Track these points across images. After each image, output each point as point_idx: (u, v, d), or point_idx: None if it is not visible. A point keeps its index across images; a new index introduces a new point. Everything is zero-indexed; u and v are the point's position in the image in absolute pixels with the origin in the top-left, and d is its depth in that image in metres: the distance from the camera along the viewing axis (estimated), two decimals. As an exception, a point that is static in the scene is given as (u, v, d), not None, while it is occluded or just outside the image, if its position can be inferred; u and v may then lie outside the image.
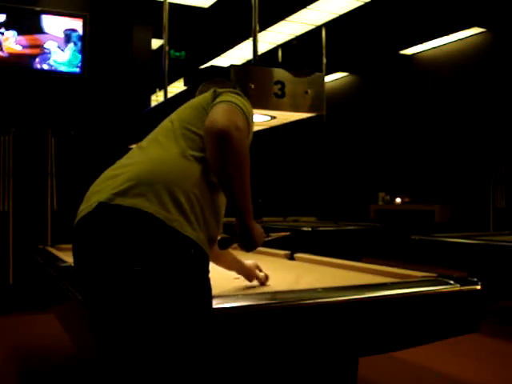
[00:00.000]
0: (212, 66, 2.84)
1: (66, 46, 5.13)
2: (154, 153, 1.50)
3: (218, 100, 1.53)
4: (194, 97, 1.75)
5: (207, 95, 1.60)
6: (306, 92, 2.51)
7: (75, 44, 5.15)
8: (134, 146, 1.69)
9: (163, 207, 1.38)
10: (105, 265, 1.39)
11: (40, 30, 5.03)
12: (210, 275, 1.48)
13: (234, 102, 1.50)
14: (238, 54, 9.20)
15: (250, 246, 1.57)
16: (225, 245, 1.62)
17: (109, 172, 1.55)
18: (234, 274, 2.01)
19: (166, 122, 1.63)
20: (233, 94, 1.57)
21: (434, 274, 2.12)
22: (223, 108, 1.47)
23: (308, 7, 7.09)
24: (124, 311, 1.36)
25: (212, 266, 1.53)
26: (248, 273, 1.99)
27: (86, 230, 1.50)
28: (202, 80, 2.32)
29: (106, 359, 1.46)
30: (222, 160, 1.41)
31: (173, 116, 1.64)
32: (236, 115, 1.46)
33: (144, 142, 1.61)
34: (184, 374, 1.38)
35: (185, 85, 3.01)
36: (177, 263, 1.37)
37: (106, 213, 1.42)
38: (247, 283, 2.01)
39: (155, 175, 1.42)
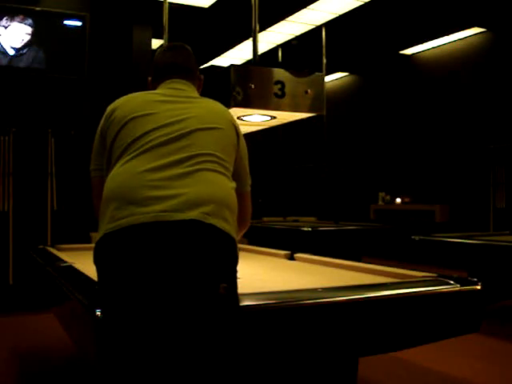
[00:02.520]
0: (212, 66, 2.84)
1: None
2: (215, 178, 1.59)
3: (245, 171, 1.82)
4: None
5: (233, 134, 1.74)
6: (306, 92, 2.51)
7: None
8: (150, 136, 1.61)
9: (233, 228, 1.58)
10: (196, 280, 1.45)
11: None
12: None
13: (250, 184, 1.86)
14: (238, 54, 9.20)
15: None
16: None
17: (150, 183, 1.51)
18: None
19: (202, 145, 1.63)
20: (245, 147, 1.82)
21: (434, 274, 2.12)
22: (250, 201, 1.86)
23: (308, 7, 7.08)
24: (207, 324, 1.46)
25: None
26: None
27: (172, 242, 1.46)
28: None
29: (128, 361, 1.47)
30: (242, 231, 1.87)
31: (210, 142, 1.64)
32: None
33: (177, 153, 1.58)
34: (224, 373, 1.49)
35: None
36: (234, 274, 1.59)
37: (200, 230, 1.48)
38: (247, 283, 2.01)
39: (228, 202, 1.58)
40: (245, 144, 1.81)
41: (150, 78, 1.91)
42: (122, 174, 1.56)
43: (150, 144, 1.58)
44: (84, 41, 5.20)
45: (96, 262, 1.57)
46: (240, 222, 1.75)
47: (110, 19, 5.61)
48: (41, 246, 3.47)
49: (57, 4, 5.22)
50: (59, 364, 3.32)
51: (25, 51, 5.00)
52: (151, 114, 1.65)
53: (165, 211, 1.46)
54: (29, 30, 5.00)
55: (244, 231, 1.90)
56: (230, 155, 1.69)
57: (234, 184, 1.66)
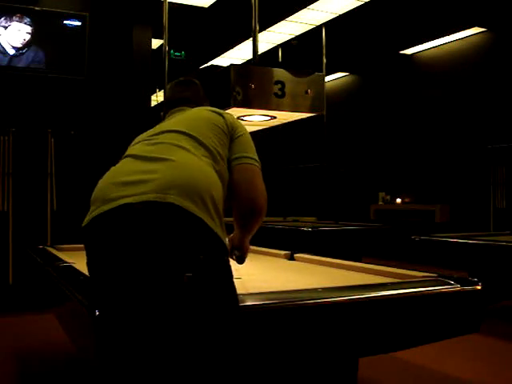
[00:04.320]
0: (212, 66, 2.84)
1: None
2: (189, 159, 1.55)
3: (242, 145, 1.73)
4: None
5: (219, 119, 1.74)
6: (306, 92, 2.51)
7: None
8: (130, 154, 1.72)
9: (209, 215, 1.46)
10: (155, 266, 1.40)
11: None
12: None
13: (256, 160, 1.73)
14: (238, 54, 9.20)
15: (243, 260, 1.92)
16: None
17: (124, 178, 1.55)
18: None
19: (176, 134, 1.67)
20: (247, 133, 1.77)
21: (435, 274, 2.12)
22: (256, 177, 1.69)
23: (308, 7, 7.08)
24: (171, 313, 1.40)
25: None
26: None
27: (129, 227, 1.44)
28: (202, 80, 2.32)
29: (115, 356, 1.47)
30: (251, 225, 1.75)
31: (182, 127, 1.69)
32: (262, 181, 1.71)
33: (151, 150, 1.62)
34: (225, 370, 1.46)
35: (185, 85, 3.02)
36: (218, 269, 1.47)
37: (157, 210, 1.42)
38: (247, 283, 2.00)
39: (199, 183, 1.49)
40: (243, 129, 1.78)
41: (162, 114, 2.03)
42: (100, 182, 1.67)
43: (132, 152, 1.68)
44: (84, 41, 5.20)
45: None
46: (239, 208, 1.68)
47: (110, 19, 5.61)
48: (40, 246, 3.47)
49: (57, 4, 5.22)
50: (59, 364, 3.32)
51: (24, 51, 4.99)
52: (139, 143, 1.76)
53: (127, 196, 1.47)
54: (28, 29, 5.00)
55: (253, 227, 1.76)
56: (213, 136, 1.67)
57: (212, 165, 1.60)
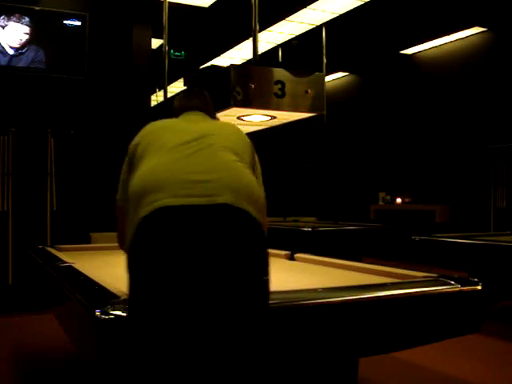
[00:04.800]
0: (212, 66, 2.84)
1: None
2: (245, 173, 1.64)
3: (258, 168, 1.84)
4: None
5: (248, 144, 1.81)
6: (306, 92, 2.50)
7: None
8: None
9: (261, 221, 1.59)
10: (234, 267, 1.47)
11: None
12: None
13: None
14: (238, 54, 9.19)
15: None
16: None
17: (187, 176, 1.55)
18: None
19: (219, 145, 1.69)
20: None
21: (435, 275, 2.12)
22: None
23: (308, 7, 7.08)
24: (243, 311, 1.48)
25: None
26: None
27: (206, 228, 1.48)
28: (202, 80, 2.32)
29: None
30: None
31: (223, 140, 1.72)
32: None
33: (201, 153, 1.63)
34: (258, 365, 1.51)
35: (185, 85, 3.02)
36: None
37: (230, 214, 1.50)
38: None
39: (254, 193, 1.61)
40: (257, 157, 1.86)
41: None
42: (149, 169, 1.60)
43: (171, 145, 1.65)
44: (84, 41, 5.20)
45: (133, 247, 1.53)
46: None
47: (110, 19, 5.60)
48: (40, 246, 3.47)
49: (56, 4, 5.21)
50: (59, 364, 3.32)
51: (24, 51, 4.99)
52: (168, 132, 1.75)
53: (198, 196, 1.49)
54: (26, 29, 5.00)
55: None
56: (249, 157, 1.76)
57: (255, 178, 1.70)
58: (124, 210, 1.75)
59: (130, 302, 1.53)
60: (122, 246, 1.83)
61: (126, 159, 1.83)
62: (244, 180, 1.60)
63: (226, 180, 1.55)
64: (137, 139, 1.80)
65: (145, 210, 1.50)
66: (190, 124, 1.79)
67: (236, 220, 1.50)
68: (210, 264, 1.45)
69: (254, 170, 1.76)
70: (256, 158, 1.83)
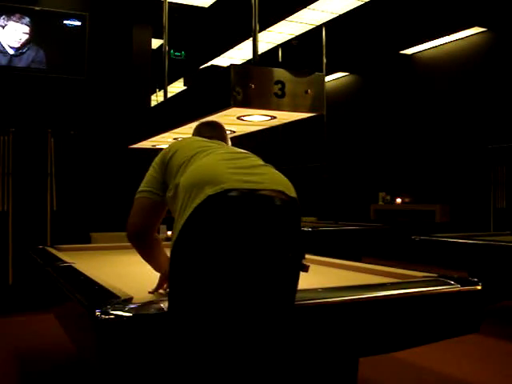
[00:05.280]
0: (212, 66, 2.84)
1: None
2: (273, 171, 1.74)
3: None
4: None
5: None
6: (306, 92, 2.50)
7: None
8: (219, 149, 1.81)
9: None
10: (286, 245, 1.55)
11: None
12: None
13: None
14: (238, 54, 9.20)
15: None
16: None
17: (239, 170, 1.63)
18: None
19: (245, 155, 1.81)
20: None
21: (435, 274, 2.12)
22: None
23: (308, 7, 7.08)
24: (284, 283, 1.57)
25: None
26: (160, 279, 1.92)
27: (285, 214, 1.58)
28: (202, 80, 2.32)
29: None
30: None
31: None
32: None
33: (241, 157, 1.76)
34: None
35: (185, 85, 3.01)
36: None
37: (292, 205, 1.60)
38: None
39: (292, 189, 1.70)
40: None
41: None
42: (199, 166, 1.67)
43: (219, 151, 1.77)
44: (84, 41, 5.20)
45: (193, 230, 1.52)
46: None
47: (110, 19, 5.61)
48: (40, 246, 3.47)
49: (57, 4, 5.22)
50: (59, 364, 3.32)
51: (24, 51, 4.99)
52: (210, 149, 1.82)
53: (259, 182, 1.58)
54: (26, 29, 5.00)
55: None
56: None
57: None
58: (152, 204, 1.83)
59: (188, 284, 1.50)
60: (135, 239, 1.90)
61: (158, 160, 1.88)
62: (285, 179, 1.69)
63: (273, 176, 1.65)
64: (172, 145, 1.91)
65: (210, 191, 1.51)
66: (226, 149, 1.89)
67: (293, 207, 1.59)
68: (270, 246, 1.51)
69: None
70: None
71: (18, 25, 4.97)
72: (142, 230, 1.88)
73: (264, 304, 1.50)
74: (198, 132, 2.13)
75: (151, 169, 1.90)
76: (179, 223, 1.55)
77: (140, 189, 1.89)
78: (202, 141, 1.92)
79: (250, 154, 1.81)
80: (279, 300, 1.54)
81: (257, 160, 1.76)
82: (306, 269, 1.63)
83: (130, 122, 5.30)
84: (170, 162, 1.82)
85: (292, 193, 1.63)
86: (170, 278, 1.57)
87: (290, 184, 1.68)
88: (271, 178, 1.63)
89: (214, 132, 2.09)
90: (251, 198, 1.52)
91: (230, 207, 1.49)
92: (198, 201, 1.51)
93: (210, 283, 1.47)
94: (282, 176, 1.70)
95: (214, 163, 1.66)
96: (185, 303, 1.50)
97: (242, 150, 1.85)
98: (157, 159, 1.90)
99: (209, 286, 1.47)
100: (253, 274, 1.49)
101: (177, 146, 1.89)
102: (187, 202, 1.55)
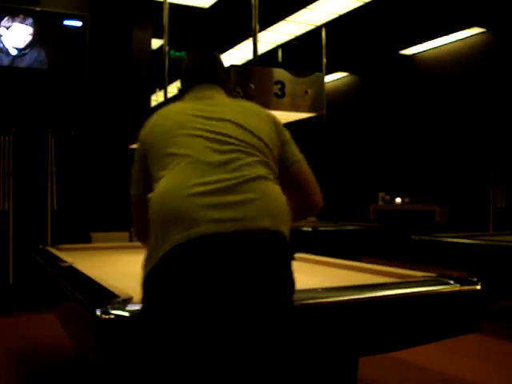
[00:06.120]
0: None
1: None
2: (275, 190, 1.53)
3: (291, 147, 1.71)
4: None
5: (272, 125, 1.67)
6: (306, 92, 2.51)
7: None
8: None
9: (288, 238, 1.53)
10: (274, 292, 1.44)
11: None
12: None
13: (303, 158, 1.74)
14: (238, 54, 9.20)
15: None
16: None
17: (208, 199, 1.41)
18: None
19: (243, 143, 1.54)
20: (291, 137, 1.74)
21: (434, 274, 2.12)
22: (312, 176, 1.74)
23: (308, 7, 7.08)
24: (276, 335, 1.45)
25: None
26: None
27: (251, 253, 1.40)
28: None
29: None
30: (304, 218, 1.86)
31: (249, 139, 1.56)
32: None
33: (223, 159, 1.48)
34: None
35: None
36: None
37: (274, 248, 1.45)
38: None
39: (283, 211, 1.52)
40: (286, 131, 1.74)
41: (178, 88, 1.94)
42: (169, 193, 1.45)
43: (191, 154, 1.49)
44: (84, 41, 5.20)
45: (158, 281, 1.42)
46: (303, 202, 1.73)
47: (110, 19, 5.61)
48: (41, 246, 3.48)
49: (57, 4, 5.22)
50: (59, 364, 3.32)
51: (27, 51, 5.00)
52: (185, 131, 1.56)
53: (234, 220, 1.39)
54: (30, 30, 5.00)
55: (309, 215, 1.92)
56: (275, 142, 1.64)
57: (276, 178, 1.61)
58: (140, 205, 1.67)
59: (155, 334, 1.42)
60: (144, 241, 1.75)
61: (137, 155, 1.69)
62: (277, 200, 1.50)
63: (261, 202, 1.44)
64: (146, 133, 1.66)
65: (177, 237, 1.37)
66: (206, 112, 1.60)
67: (275, 246, 1.44)
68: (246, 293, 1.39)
69: (283, 149, 1.67)
70: (283, 132, 1.70)
71: (23, 26, 4.97)
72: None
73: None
74: (191, 60, 1.81)
75: (135, 163, 1.71)
76: (148, 265, 1.46)
77: (132, 191, 1.74)
78: (184, 115, 1.60)
79: (234, 140, 1.52)
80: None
81: (243, 161, 1.49)
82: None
83: (130, 122, 5.30)
84: (148, 156, 1.61)
85: (281, 222, 1.46)
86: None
87: (282, 208, 1.50)
88: (257, 208, 1.43)
89: (212, 67, 1.77)
90: (222, 249, 1.36)
91: (198, 261, 1.36)
92: (165, 248, 1.38)
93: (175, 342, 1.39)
94: (276, 194, 1.50)
95: (183, 191, 1.41)
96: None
97: (226, 124, 1.56)
98: (136, 153, 1.70)
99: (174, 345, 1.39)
100: (226, 337, 1.39)
101: (153, 137, 1.61)
102: (155, 243, 1.43)
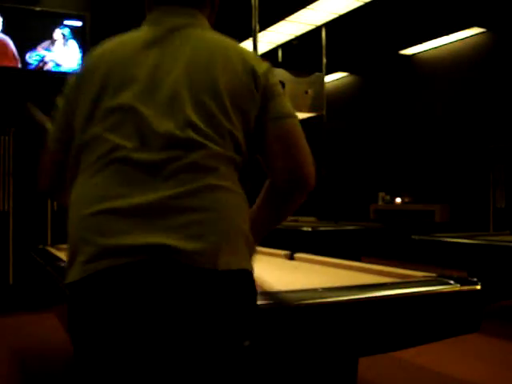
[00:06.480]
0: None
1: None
2: (221, 189, 1.13)
3: (277, 101, 1.23)
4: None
5: (247, 83, 1.19)
6: (306, 92, 2.51)
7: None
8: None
9: (247, 258, 1.18)
10: (214, 334, 1.11)
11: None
12: None
13: (295, 115, 1.27)
14: (238, 54, 9.20)
15: None
16: None
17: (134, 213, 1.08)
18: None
19: (186, 127, 1.12)
20: (279, 85, 1.27)
21: (434, 274, 2.12)
22: (302, 138, 1.25)
23: (308, 7, 7.08)
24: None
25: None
26: None
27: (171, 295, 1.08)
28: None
29: None
30: (287, 213, 1.37)
31: (195, 107, 1.13)
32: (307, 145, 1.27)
33: (158, 159, 1.10)
34: None
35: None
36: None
37: (207, 276, 1.08)
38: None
39: (238, 227, 1.15)
40: (276, 85, 1.25)
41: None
42: (82, 205, 1.14)
43: (116, 155, 1.14)
44: (84, 41, 5.20)
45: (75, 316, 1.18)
46: (287, 174, 1.24)
47: (111, 19, 5.61)
48: (41, 246, 3.48)
49: (57, 4, 5.22)
50: (59, 364, 3.32)
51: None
52: (116, 81, 1.22)
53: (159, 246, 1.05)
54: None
55: (290, 210, 1.37)
56: (240, 112, 1.17)
57: (237, 181, 1.19)
58: (54, 155, 1.39)
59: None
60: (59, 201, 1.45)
61: (66, 92, 1.33)
62: (229, 216, 1.13)
63: (203, 218, 1.09)
64: (76, 80, 1.32)
65: (77, 270, 1.09)
66: (159, 55, 1.21)
67: (214, 284, 1.09)
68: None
69: (266, 107, 1.21)
70: (271, 88, 1.23)
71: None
72: None
73: None
74: None
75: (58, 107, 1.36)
76: (67, 272, 1.17)
77: (48, 137, 1.42)
78: (125, 57, 1.25)
79: (185, 107, 1.13)
80: None
81: (199, 179, 1.09)
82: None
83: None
84: (73, 105, 1.26)
85: (228, 247, 1.10)
86: None
87: (236, 226, 1.13)
88: (204, 226, 1.08)
89: None
90: (131, 286, 1.06)
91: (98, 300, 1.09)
92: (69, 278, 1.13)
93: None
94: (226, 206, 1.12)
95: (93, 209, 1.10)
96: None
97: (182, 77, 1.16)
98: (65, 91, 1.32)
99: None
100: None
101: (79, 94, 1.25)
102: (68, 264, 1.15)
